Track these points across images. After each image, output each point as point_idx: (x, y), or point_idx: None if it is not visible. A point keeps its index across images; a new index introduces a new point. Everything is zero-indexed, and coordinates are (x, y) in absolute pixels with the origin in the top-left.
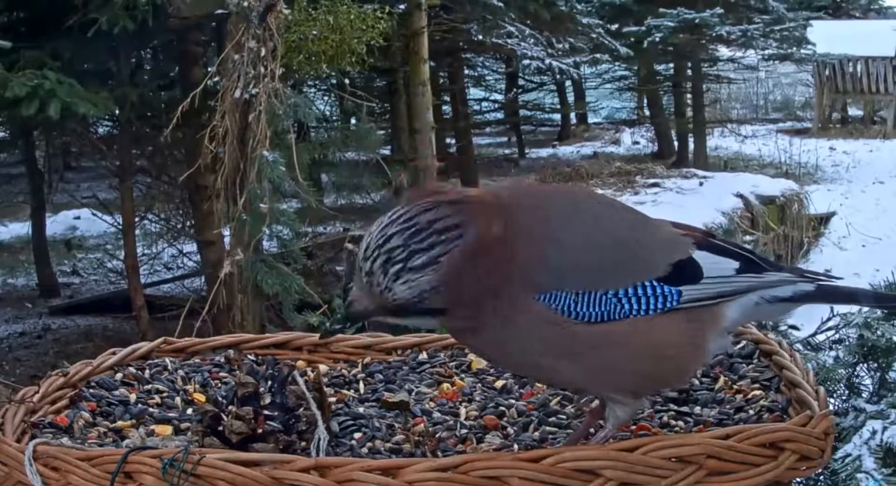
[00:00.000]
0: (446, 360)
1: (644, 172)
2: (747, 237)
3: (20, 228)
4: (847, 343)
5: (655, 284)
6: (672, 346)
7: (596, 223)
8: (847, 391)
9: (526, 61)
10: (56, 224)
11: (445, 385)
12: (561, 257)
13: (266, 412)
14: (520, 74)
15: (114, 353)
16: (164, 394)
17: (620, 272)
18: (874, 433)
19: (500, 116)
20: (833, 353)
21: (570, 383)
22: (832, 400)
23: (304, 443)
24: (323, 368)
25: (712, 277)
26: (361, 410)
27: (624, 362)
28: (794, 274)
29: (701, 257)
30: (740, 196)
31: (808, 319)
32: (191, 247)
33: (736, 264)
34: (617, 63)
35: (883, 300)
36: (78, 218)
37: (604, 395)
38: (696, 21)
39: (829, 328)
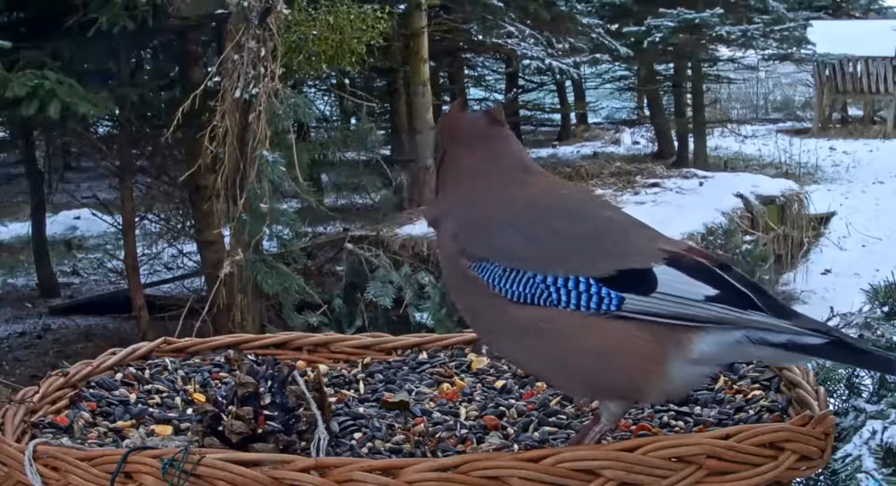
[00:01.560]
0: (446, 360)
1: (644, 172)
2: (747, 237)
3: (20, 228)
4: None
5: (592, 282)
6: (619, 354)
7: (548, 211)
8: (847, 391)
9: (526, 61)
10: (56, 224)
11: (445, 385)
12: (494, 227)
13: (266, 412)
14: (520, 74)
15: (114, 353)
16: (164, 394)
17: (550, 260)
18: (874, 433)
19: None
20: None
21: (524, 366)
22: (832, 400)
23: (304, 443)
24: (323, 368)
25: (669, 294)
26: (361, 410)
27: (563, 356)
28: (807, 326)
29: (664, 272)
30: (740, 196)
31: None
32: (191, 247)
33: (711, 292)
34: (617, 63)
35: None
36: (78, 218)
37: (558, 388)
38: (696, 21)
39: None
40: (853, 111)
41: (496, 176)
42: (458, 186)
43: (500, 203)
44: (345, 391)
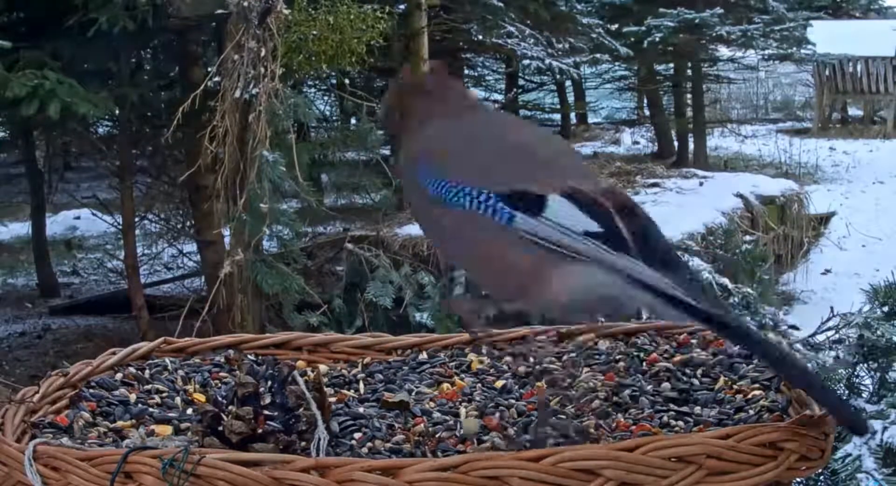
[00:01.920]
0: (446, 360)
1: (644, 172)
2: (747, 237)
3: (20, 228)
4: (847, 343)
5: (492, 196)
6: (513, 258)
7: (478, 130)
8: (847, 391)
9: (526, 61)
10: (56, 224)
11: (445, 385)
12: (438, 137)
13: (266, 412)
14: (520, 74)
15: (114, 353)
16: (164, 394)
17: (467, 171)
18: (874, 433)
19: None
20: (833, 353)
21: (453, 260)
22: None
23: (304, 443)
24: (323, 368)
25: (553, 222)
26: (361, 410)
27: (470, 254)
28: (678, 283)
29: (556, 201)
30: (740, 196)
31: (808, 319)
32: (191, 247)
33: (592, 229)
34: (617, 63)
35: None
36: (78, 218)
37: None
38: (696, 21)
39: (829, 328)
40: (853, 111)
41: (445, 114)
42: (419, 127)
43: (443, 129)
44: (345, 391)
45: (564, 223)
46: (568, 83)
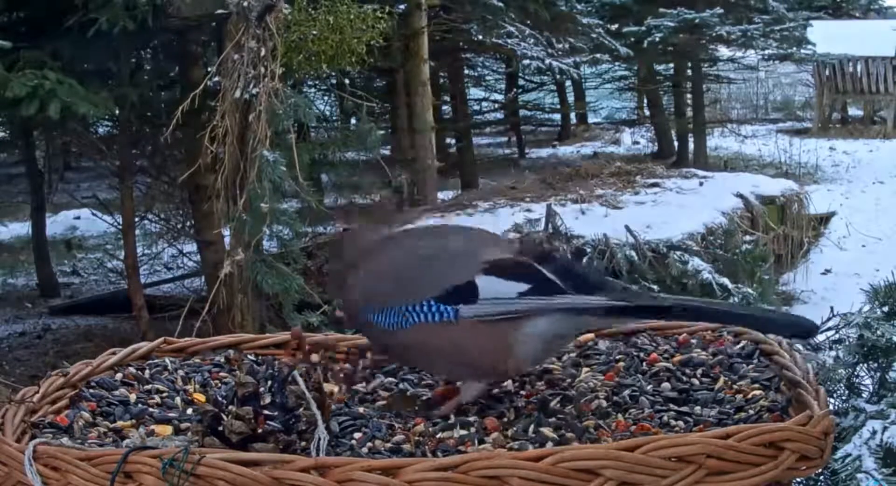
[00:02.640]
0: None
1: (644, 172)
2: (747, 237)
3: (20, 228)
4: (847, 343)
5: (432, 303)
6: (473, 346)
7: (392, 259)
8: (847, 391)
9: (526, 61)
10: (56, 224)
11: (445, 385)
12: (368, 282)
13: (266, 412)
14: (520, 74)
15: (114, 353)
16: (164, 394)
17: (401, 294)
18: (874, 433)
19: (500, 116)
20: (833, 353)
21: (422, 368)
22: (832, 400)
23: (304, 443)
24: (314, 357)
25: (490, 298)
26: (361, 410)
27: (434, 356)
28: (609, 295)
29: (483, 280)
30: (740, 196)
31: None
32: (191, 247)
33: (523, 288)
34: (617, 63)
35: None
36: (78, 218)
37: (447, 378)
38: (696, 21)
39: (829, 328)
40: (853, 111)
41: (362, 252)
42: (350, 277)
43: (373, 267)
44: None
45: (497, 295)
46: (568, 83)
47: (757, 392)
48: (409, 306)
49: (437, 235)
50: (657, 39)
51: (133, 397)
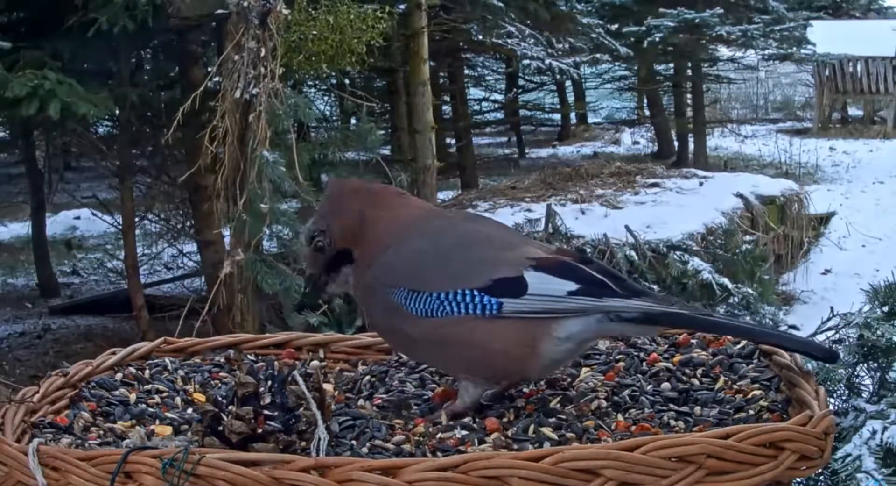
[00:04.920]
0: None
1: (644, 172)
2: (747, 237)
3: (20, 228)
4: (847, 343)
5: (475, 293)
6: (500, 345)
7: (435, 239)
8: (847, 391)
9: (526, 61)
10: (56, 224)
11: (446, 385)
12: (403, 261)
13: (266, 412)
14: (520, 74)
15: (114, 353)
16: (164, 394)
17: (441, 280)
18: (874, 433)
19: (500, 116)
20: None
21: (436, 366)
22: (832, 400)
23: (304, 443)
24: (314, 363)
25: (538, 294)
26: (361, 410)
27: (460, 353)
28: (652, 301)
29: (532, 276)
30: (740, 196)
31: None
32: (191, 247)
33: (572, 287)
34: (617, 63)
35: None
36: (78, 218)
37: (458, 378)
38: (696, 21)
39: (829, 328)
40: (853, 111)
41: (403, 225)
42: (376, 239)
43: (404, 242)
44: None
45: (547, 293)
46: (568, 83)
47: (757, 392)
48: (449, 293)
49: (480, 222)
50: (657, 39)
51: (133, 397)
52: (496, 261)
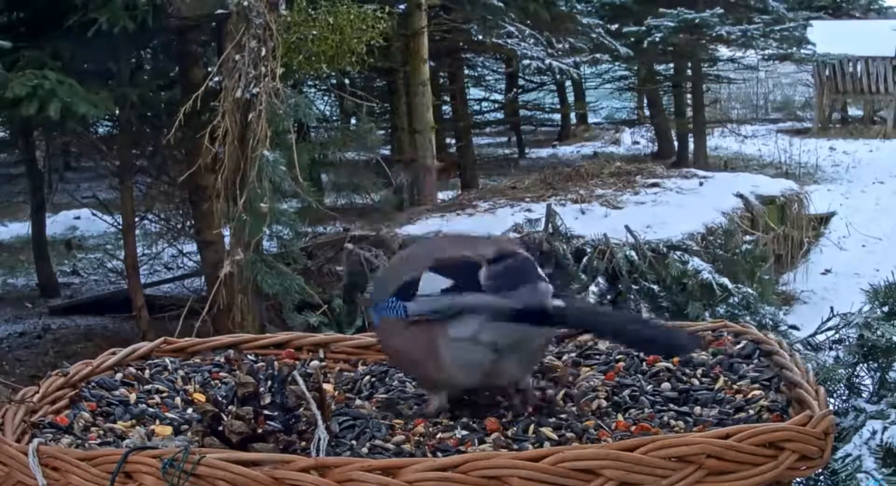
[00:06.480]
0: None
1: (644, 172)
2: (747, 237)
3: (20, 228)
4: (847, 343)
5: (392, 298)
6: (411, 350)
7: (391, 261)
8: (847, 391)
9: (526, 61)
10: (56, 224)
11: None
12: (375, 282)
13: (266, 412)
14: (520, 74)
15: (114, 353)
16: (164, 394)
17: (382, 291)
18: (874, 433)
19: (500, 116)
20: (833, 353)
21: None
22: (832, 400)
23: (304, 443)
24: (314, 363)
25: (424, 294)
26: (361, 410)
27: (394, 360)
28: (524, 300)
29: (425, 277)
30: (740, 196)
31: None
32: (191, 247)
33: (446, 285)
34: (617, 63)
35: (621, 337)
36: (78, 218)
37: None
38: (696, 21)
39: (829, 328)
40: (853, 111)
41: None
42: None
43: (378, 273)
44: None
45: (428, 292)
46: (568, 83)
47: (757, 392)
48: (380, 303)
49: (435, 240)
50: (657, 39)
51: (133, 397)
52: (416, 265)
